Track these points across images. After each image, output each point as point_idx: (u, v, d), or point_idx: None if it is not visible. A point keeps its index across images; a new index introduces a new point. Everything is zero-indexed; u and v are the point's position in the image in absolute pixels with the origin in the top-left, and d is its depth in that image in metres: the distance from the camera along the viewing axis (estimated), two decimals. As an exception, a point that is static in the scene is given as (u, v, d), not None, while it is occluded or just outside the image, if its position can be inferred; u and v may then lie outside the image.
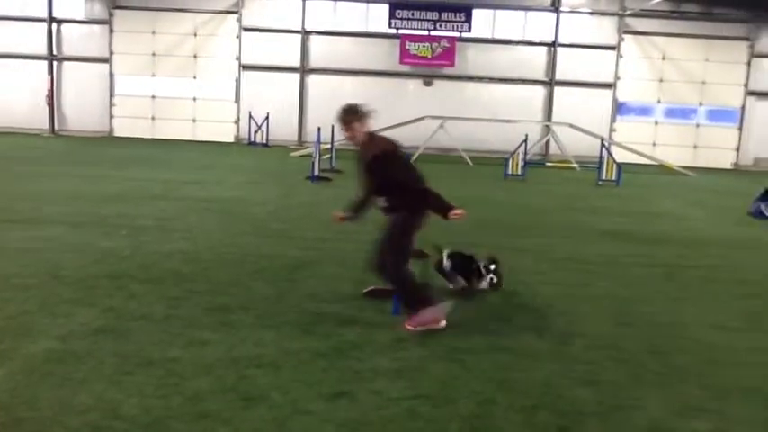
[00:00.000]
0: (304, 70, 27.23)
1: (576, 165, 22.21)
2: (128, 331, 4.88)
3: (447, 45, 27.07)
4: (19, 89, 27.21)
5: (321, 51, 27.21)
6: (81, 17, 27.23)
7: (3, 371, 4.11)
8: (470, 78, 27.60)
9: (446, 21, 26.96)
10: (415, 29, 27.03)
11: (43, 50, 27.00)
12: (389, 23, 26.95)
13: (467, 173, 19.64)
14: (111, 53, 26.90)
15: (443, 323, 5.18)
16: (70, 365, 4.22)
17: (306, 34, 27.08)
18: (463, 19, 26.98)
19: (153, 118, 27.02)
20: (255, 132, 26.09)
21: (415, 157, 18.01)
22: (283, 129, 26.74)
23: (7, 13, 27.12)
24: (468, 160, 22.45)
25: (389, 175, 5.25)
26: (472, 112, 24.83)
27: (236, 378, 4.14)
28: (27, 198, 10.67)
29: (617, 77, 27.60)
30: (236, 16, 26.79)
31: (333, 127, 17.64)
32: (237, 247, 7.81)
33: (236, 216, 9.97)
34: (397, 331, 5.05)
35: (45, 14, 26.81)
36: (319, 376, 4.24)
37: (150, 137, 26.43)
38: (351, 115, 5.27)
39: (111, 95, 27.09)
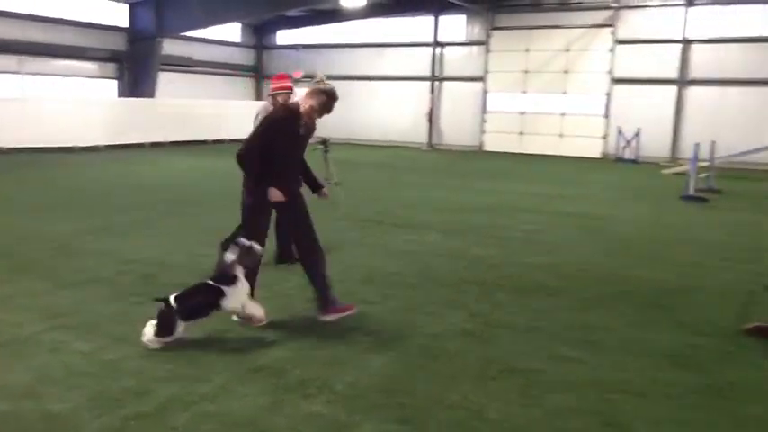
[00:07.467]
0: (682, 81, 25.43)
1: None
2: (493, 337, 5.06)
3: None
4: (404, 107, 30.40)
5: (703, 60, 25.07)
6: (462, 40, 29.36)
7: (385, 358, 4.58)
8: None
9: None
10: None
11: (427, 72, 29.78)
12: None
13: None
14: (485, 72, 28.44)
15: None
16: (441, 363, 4.53)
17: (687, 43, 25.24)
18: None
19: (521, 133, 27.83)
20: (624, 148, 25.15)
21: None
22: (654, 144, 25.27)
23: (400, 40, 30.53)
24: None
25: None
26: None
27: (599, 400, 4.01)
28: (407, 205, 11.80)
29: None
30: (610, 29, 26.17)
31: (713, 143, 16.17)
32: (604, 266, 7.58)
33: (603, 233, 9.68)
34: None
35: (431, 39, 29.58)
36: (691, 414, 3.88)
37: (518, 151, 27.25)
38: None
39: (484, 112, 28.60)
